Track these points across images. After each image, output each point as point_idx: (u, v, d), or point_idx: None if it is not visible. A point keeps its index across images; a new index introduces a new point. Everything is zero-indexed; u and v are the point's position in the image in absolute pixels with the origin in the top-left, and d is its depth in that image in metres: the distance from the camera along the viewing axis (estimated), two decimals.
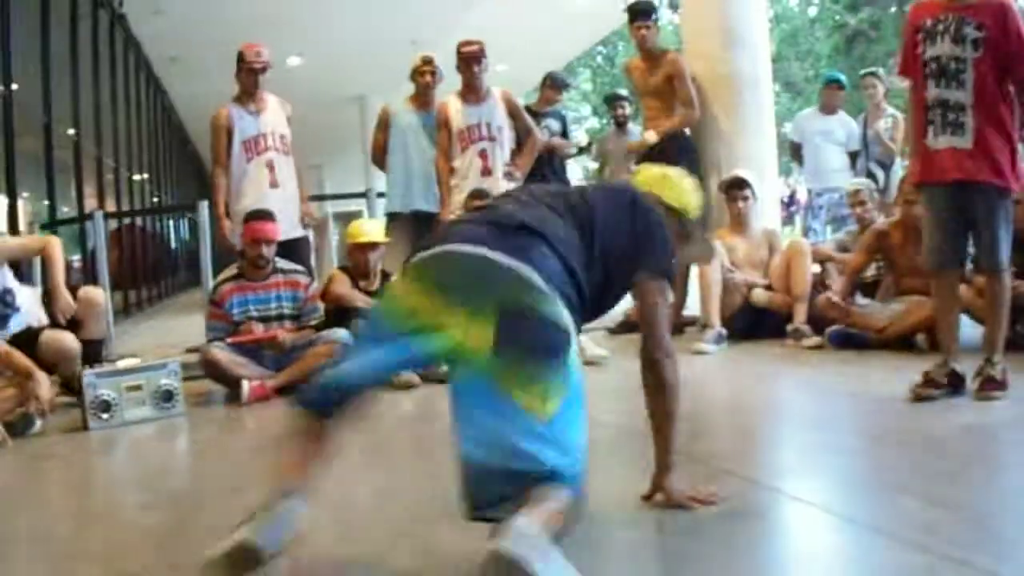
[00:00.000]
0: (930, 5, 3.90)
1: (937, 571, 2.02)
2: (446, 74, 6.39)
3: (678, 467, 2.59)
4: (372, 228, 5.87)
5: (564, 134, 8.17)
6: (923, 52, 3.85)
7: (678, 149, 6.39)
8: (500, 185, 5.95)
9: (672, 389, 2.50)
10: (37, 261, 6.04)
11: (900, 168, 7.39)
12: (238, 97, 5.91)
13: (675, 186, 2.74)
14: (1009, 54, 3.72)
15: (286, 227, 5.69)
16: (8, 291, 5.04)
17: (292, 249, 5.74)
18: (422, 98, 6.37)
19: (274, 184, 5.85)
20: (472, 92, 6.12)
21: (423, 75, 6.30)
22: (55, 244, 5.15)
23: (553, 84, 7.88)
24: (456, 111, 6.10)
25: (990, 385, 3.74)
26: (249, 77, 5.85)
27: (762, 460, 3.29)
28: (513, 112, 6.24)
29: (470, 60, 6.05)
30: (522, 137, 6.35)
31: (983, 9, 3.75)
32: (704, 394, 4.61)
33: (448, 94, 6.26)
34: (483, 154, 6.09)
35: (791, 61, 32.09)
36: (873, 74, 8.15)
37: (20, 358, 4.60)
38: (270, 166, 5.84)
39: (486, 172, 6.12)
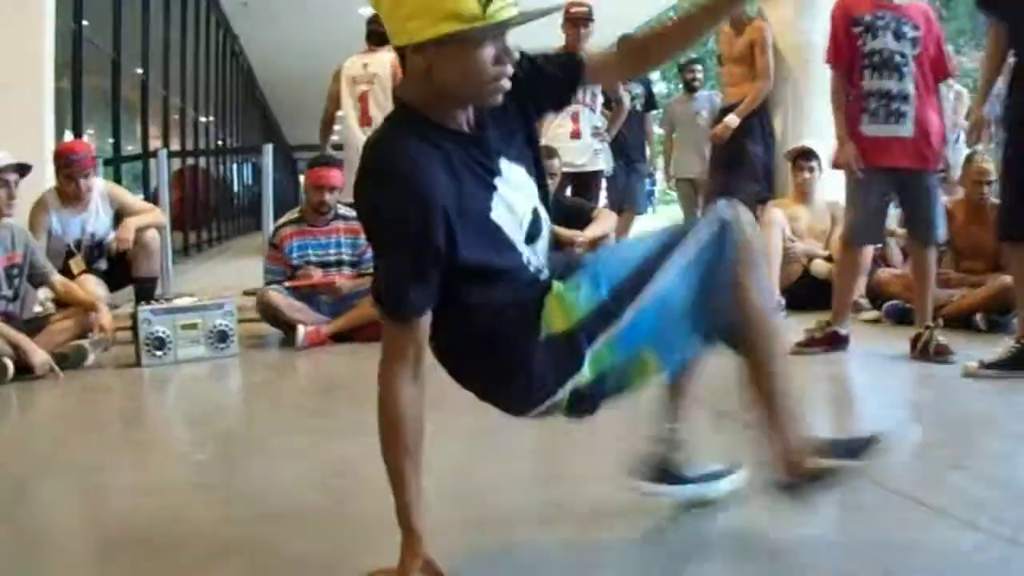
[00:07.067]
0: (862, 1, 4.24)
1: (985, 549, 2.00)
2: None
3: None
4: None
5: (649, 98, 8.13)
6: (863, 45, 4.16)
7: (754, 121, 6.58)
8: (588, 144, 6.32)
9: None
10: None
11: (963, 146, 7.15)
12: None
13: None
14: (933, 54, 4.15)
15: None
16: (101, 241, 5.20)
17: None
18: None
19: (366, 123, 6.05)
20: None
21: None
22: (160, 215, 5.57)
23: None
24: None
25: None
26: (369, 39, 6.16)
27: (814, 430, 3.23)
28: None
29: (576, 21, 6.02)
30: (612, 104, 6.55)
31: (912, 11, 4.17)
32: None
33: None
34: (575, 117, 6.20)
35: None
36: None
37: (80, 292, 4.66)
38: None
39: (575, 135, 6.31)
